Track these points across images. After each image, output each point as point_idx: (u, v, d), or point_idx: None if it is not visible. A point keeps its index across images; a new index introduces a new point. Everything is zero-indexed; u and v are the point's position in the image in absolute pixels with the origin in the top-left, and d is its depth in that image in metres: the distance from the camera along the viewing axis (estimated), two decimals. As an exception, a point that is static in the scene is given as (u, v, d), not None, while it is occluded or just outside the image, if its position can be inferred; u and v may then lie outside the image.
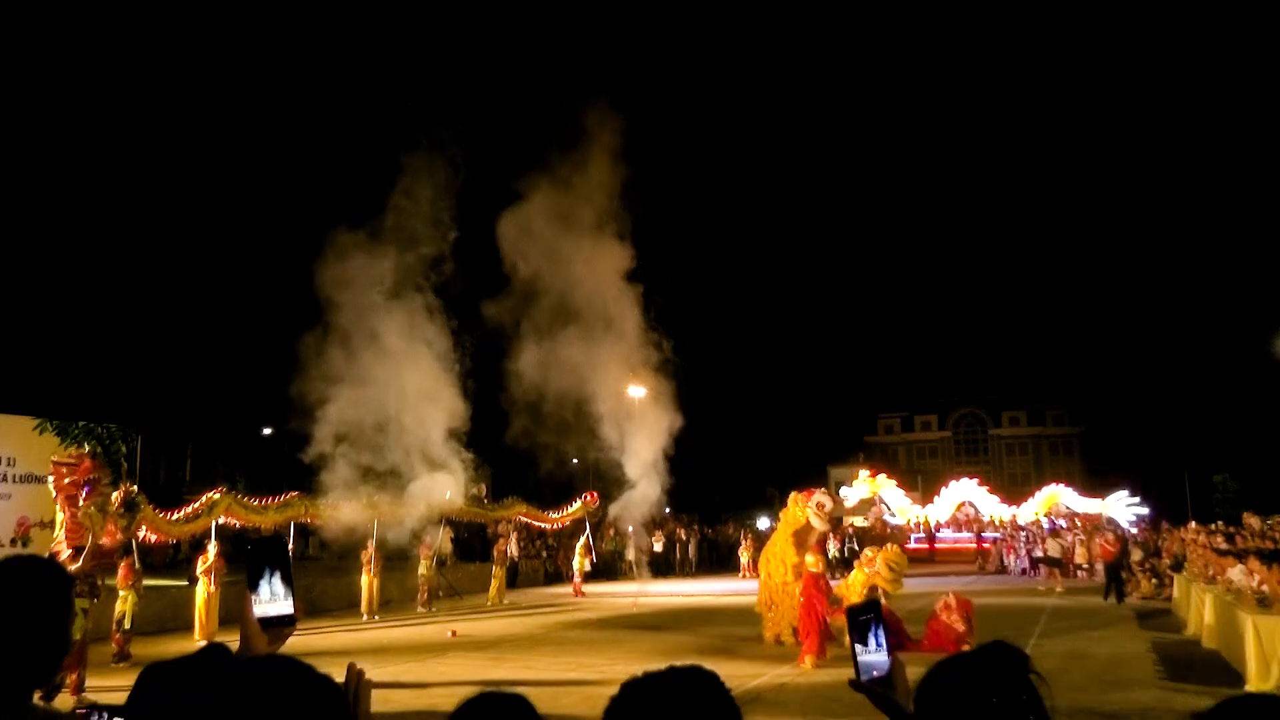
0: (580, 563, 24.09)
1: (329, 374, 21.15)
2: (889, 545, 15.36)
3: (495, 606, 21.36)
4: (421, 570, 20.58)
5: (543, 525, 26.71)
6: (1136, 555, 24.13)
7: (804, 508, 14.53)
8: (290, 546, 18.34)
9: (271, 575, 1.74)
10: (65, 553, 11.96)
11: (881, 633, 1.83)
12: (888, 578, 13.77)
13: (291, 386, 20.80)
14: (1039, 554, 27.15)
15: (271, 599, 1.74)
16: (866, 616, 1.84)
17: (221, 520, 17.20)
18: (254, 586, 1.74)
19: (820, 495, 14.80)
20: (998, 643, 1.47)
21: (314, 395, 20.92)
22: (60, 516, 12.99)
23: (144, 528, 15.28)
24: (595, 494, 27.27)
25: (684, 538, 32.87)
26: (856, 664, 1.81)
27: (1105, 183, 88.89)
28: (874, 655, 1.80)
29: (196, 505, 16.76)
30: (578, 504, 26.96)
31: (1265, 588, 11.76)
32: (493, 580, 22.53)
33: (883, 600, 12.07)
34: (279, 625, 1.74)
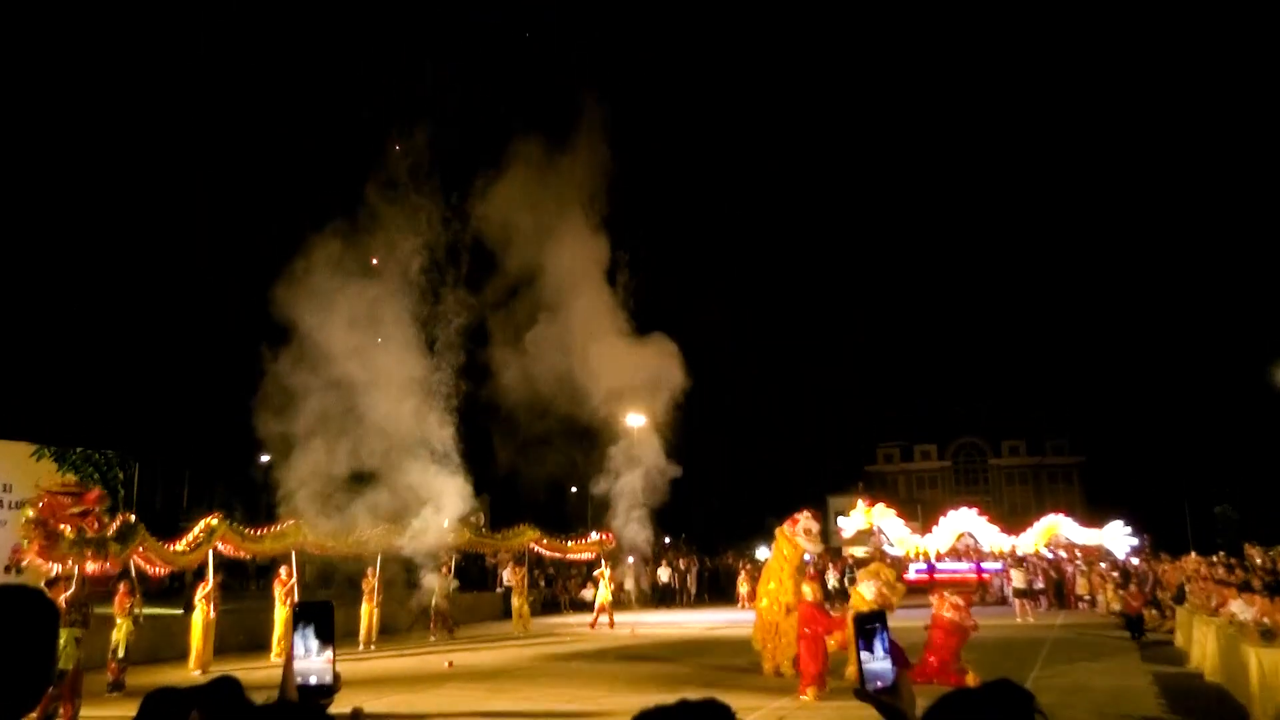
0: (606, 595, 24.00)
1: (322, 403, 21.11)
2: (877, 564, 15.59)
3: (518, 635, 21.50)
4: (436, 599, 20.70)
5: (556, 555, 26.64)
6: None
7: (792, 539, 14.43)
8: (295, 576, 18.20)
9: (314, 639, 1.80)
10: (55, 572, 11.92)
11: (886, 640, 1.83)
12: (895, 589, 13.73)
13: (285, 414, 20.76)
14: (1038, 584, 27.10)
15: (311, 664, 1.79)
16: (873, 625, 1.84)
17: (220, 547, 17.11)
18: (297, 647, 1.80)
19: (804, 520, 14.64)
20: (1004, 681, 1.47)
21: (306, 423, 20.88)
22: (25, 543, 12.90)
23: (139, 555, 15.14)
24: (610, 535, 27.12)
25: (683, 568, 32.73)
26: (862, 672, 1.80)
27: (1105, 214, 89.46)
28: (879, 663, 1.80)
29: (196, 534, 16.66)
30: (593, 539, 26.86)
31: (1267, 620, 11.70)
32: (514, 610, 22.91)
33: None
34: (318, 695, 1.79)
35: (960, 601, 13.64)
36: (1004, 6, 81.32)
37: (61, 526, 12.99)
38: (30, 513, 12.98)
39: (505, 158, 26.89)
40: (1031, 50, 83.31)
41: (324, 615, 1.85)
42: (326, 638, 1.82)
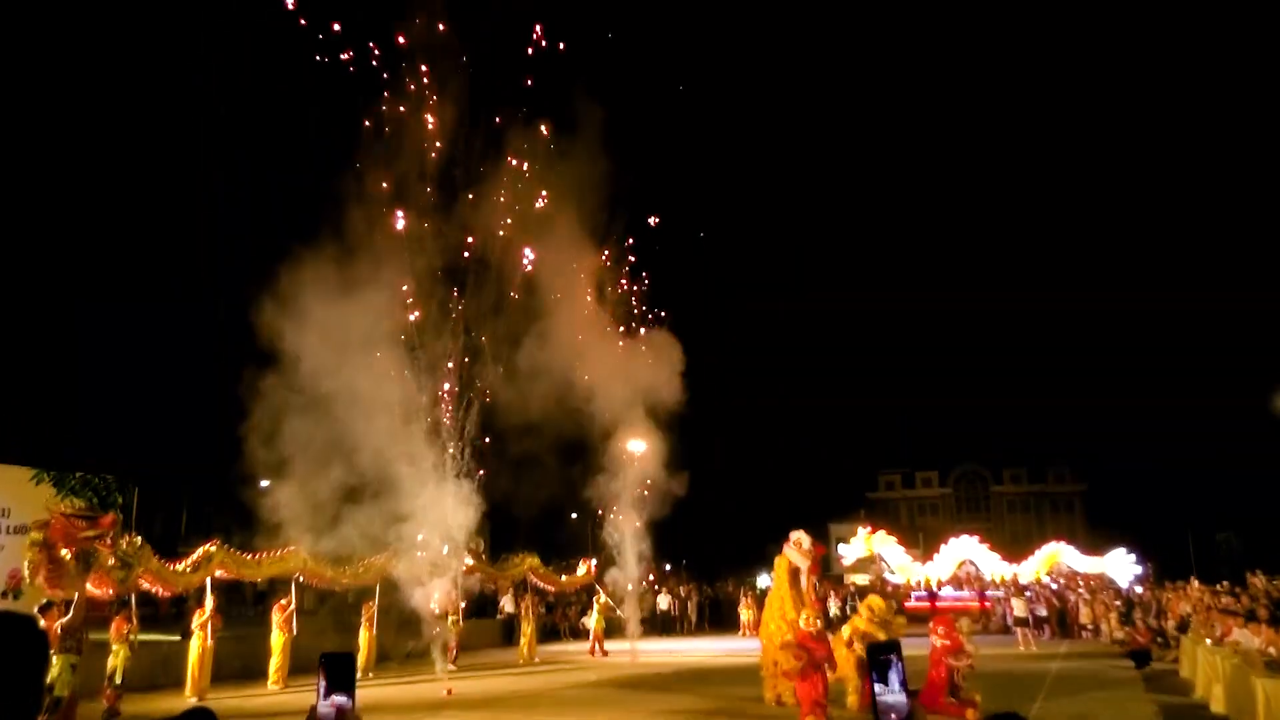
0: (599, 622, 23.82)
1: (317, 427, 20.99)
2: (871, 595, 15.41)
3: (519, 663, 21.34)
4: (447, 626, 20.62)
5: (548, 587, 26.46)
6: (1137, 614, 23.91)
7: (786, 556, 14.41)
8: (294, 602, 18.06)
9: (336, 688, 1.85)
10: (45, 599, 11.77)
11: (902, 672, 1.81)
12: (868, 618, 13.45)
13: (282, 439, 20.64)
14: (1041, 612, 26.89)
15: (331, 713, 1.85)
16: (887, 656, 1.82)
17: (218, 573, 16.97)
18: (320, 694, 1.84)
19: (795, 535, 14.60)
20: (1013, 715, 1.46)
21: (303, 448, 20.74)
22: (28, 566, 12.62)
23: (143, 581, 14.98)
24: (592, 562, 26.85)
25: (684, 595, 32.52)
26: (875, 705, 1.78)
27: (1107, 243, 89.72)
28: (894, 696, 1.78)
29: (196, 557, 16.54)
30: (582, 570, 26.67)
31: (1273, 650, 11.61)
32: (522, 637, 22.70)
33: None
34: None
35: (934, 630, 13.45)
36: (996, 12, 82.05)
37: (63, 552, 12.76)
38: (37, 535, 12.71)
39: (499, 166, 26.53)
40: (1037, 74, 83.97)
41: (345, 666, 1.92)
42: (346, 687, 1.89)
